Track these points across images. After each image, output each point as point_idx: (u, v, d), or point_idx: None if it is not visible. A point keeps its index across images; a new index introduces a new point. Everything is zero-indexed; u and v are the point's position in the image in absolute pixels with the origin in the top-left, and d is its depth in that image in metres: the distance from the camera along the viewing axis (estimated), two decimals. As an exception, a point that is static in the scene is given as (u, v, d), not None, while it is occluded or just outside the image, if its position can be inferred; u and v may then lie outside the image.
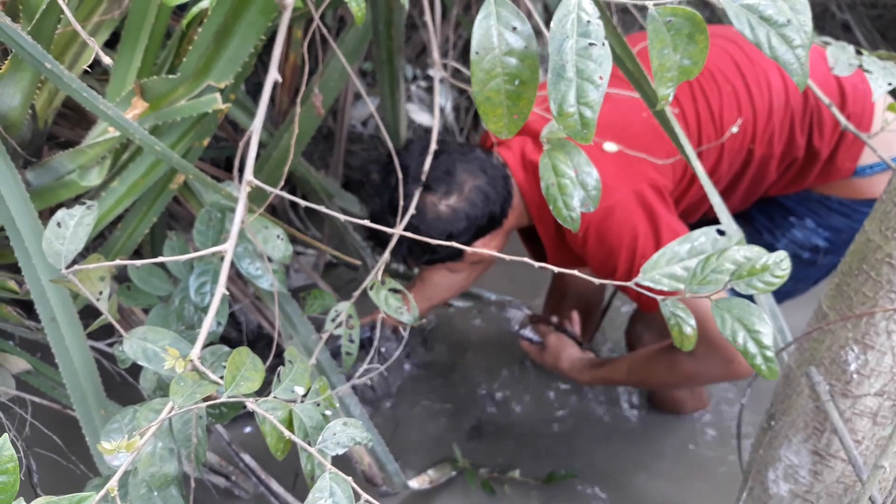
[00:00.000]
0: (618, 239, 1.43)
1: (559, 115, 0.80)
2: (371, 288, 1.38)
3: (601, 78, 0.78)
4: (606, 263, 1.46)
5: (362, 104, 2.65)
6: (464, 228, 1.46)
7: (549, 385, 2.09)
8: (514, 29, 0.81)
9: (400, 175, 1.40)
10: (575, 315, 1.85)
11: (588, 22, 0.77)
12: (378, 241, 1.52)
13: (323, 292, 1.48)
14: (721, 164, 1.56)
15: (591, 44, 0.77)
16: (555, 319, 1.84)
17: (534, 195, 1.51)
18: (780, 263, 0.91)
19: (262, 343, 1.95)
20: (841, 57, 1.33)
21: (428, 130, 1.48)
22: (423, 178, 1.42)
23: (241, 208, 1.09)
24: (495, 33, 0.81)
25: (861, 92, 1.54)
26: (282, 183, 1.33)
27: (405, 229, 1.38)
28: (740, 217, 1.77)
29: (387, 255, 1.37)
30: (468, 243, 1.49)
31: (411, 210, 1.39)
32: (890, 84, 1.30)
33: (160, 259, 1.10)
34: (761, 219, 1.75)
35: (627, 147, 1.44)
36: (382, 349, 1.87)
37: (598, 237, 1.44)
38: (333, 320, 1.39)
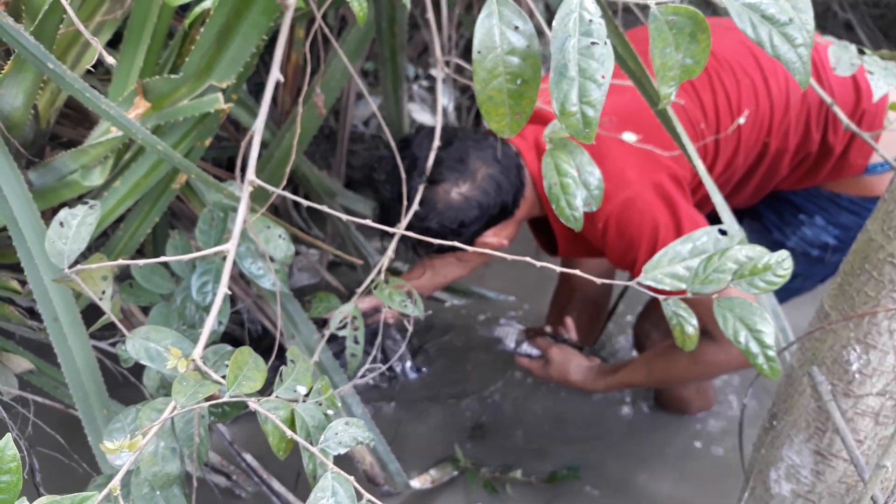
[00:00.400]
0: (638, 230, 1.42)
1: (561, 115, 0.80)
2: (375, 287, 1.38)
3: (603, 77, 0.78)
4: (626, 255, 1.46)
5: (364, 104, 2.65)
6: (475, 217, 1.46)
7: (550, 384, 2.09)
8: (517, 28, 0.82)
9: (410, 164, 1.40)
10: (569, 321, 1.83)
11: (590, 21, 0.77)
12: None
13: (328, 295, 1.48)
14: (737, 156, 1.56)
15: (593, 43, 0.77)
16: (549, 329, 1.82)
17: None
18: (781, 263, 0.91)
19: (268, 341, 1.95)
20: (843, 56, 1.33)
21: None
22: (430, 171, 1.42)
23: (243, 208, 1.09)
24: (497, 32, 0.81)
25: None
26: (284, 182, 1.34)
27: (415, 218, 1.39)
28: (750, 214, 1.77)
29: (390, 252, 1.37)
30: (479, 232, 1.49)
31: (416, 202, 1.39)
32: (891, 84, 1.29)
33: (163, 259, 1.10)
34: (771, 216, 1.74)
35: (646, 138, 1.44)
36: (384, 345, 1.87)
37: (619, 229, 1.44)
38: (340, 324, 1.39)
